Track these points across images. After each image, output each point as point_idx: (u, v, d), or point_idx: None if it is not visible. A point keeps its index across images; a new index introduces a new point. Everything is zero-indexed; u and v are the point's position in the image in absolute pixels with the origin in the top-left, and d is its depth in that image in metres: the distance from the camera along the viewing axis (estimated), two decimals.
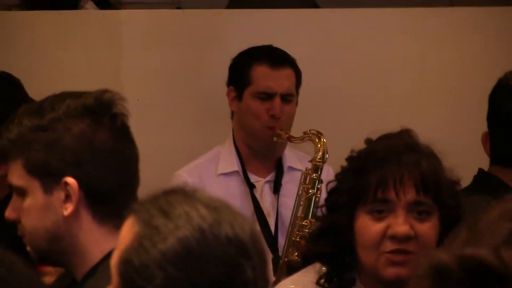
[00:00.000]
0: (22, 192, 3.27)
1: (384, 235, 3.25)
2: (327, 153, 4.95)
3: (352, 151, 3.60)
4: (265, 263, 2.56)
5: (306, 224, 4.95)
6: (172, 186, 3.68)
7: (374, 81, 5.97)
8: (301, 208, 4.95)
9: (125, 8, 6.77)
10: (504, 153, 4.44)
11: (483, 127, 4.38)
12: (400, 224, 3.18)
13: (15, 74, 5.15)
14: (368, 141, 3.42)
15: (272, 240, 5.16)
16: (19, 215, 3.27)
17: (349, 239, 3.32)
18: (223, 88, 5.31)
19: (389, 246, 3.25)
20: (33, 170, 3.25)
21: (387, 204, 3.22)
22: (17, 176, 3.30)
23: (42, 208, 3.18)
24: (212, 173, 5.26)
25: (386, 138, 3.44)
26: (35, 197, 3.25)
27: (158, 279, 2.53)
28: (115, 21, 6.29)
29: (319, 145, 4.96)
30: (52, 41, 6.10)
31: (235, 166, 5.24)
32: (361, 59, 6.05)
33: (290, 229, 5.01)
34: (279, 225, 5.22)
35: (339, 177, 3.45)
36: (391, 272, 3.29)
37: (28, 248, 3.29)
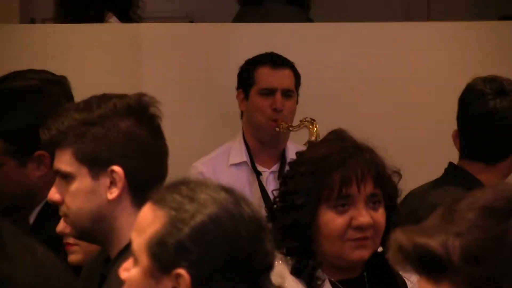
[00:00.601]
0: (69, 177, 3.30)
1: (348, 226, 3.27)
2: (319, 137, 4.87)
3: (297, 154, 3.66)
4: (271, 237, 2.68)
5: None
6: (188, 176, 3.68)
7: (361, 86, 5.97)
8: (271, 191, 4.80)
9: (144, 22, 6.72)
10: (471, 148, 4.45)
11: (454, 126, 4.40)
12: (363, 215, 3.22)
13: None
14: (311, 144, 3.41)
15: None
16: (63, 197, 3.32)
17: (312, 233, 3.33)
18: (233, 92, 5.38)
19: (353, 234, 3.27)
20: (83, 158, 3.28)
21: (349, 198, 3.25)
22: (65, 163, 3.32)
23: (89, 191, 3.23)
24: (224, 164, 5.31)
25: (329, 141, 3.48)
26: (83, 182, 3.30)
27: (193, 254, 2.58)
28: (136, 33, 6.31)
29: (312, 130, 5.00)
30: (81, 50, 6.12)
31: (244, 157, 5.30)
32: (348, 67, 6.04)
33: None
34: None
35: (292, 180, 3.44)
36: (356, 255, 3.31)
37: (69, 228, 3.38)
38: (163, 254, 2.60)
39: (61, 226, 3.68)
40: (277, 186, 5.00)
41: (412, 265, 2.23)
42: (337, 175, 3.24)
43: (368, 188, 3.26)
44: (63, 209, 3.34)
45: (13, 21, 7.61)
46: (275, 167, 5.33)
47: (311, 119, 5.06)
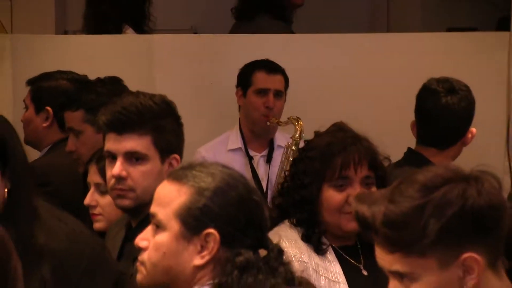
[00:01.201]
0: (142, 158, 3.38)
1: (345, 201, 3.36)
2: (303, 132, 5.08)
3: (305, 142, 3.80)
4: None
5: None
6: (196, 160, 4.02)
7: (337, 87, 6.00)
8: (284, 172, 4.86)
9: (155, 33, 6.66)
10: (425, 136, 4.63)
11: (412, 118, 4.59)
12: None
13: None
14: (318, 134, 3.57)
15: (263, 198, 5.12)
16: (127, 175, 3.37)
17: (317, 206, 3.39)
18: (231, 92, 5.49)
19: (349, 209, 3.28)
20: (158, 145, 3.39)
21: (347, 179, 3.34)
22: (142, 145, 3.37)
23: (158, 174, 3.30)
24: (223, 150, 5.37)
25: (333, 131, 3.53)
26: (154, 165, 3.39)
27: (219, 216, 2.68)
28: (149, 43, 6.33)
29: (297, 126, 5.09)
30: (103, 56, 6.14)
31: (239, 144, 5.40)
32: (325, 71, 6.07)
33: (275, 186, 4.98)
34: (269, 187, 5.33)
35: (301, 163, 3.51)
36: (351, 226, 3.34)
37: (129, 201, 3.38)
38: (193, 219, 2.68)
39: (88, 199, 3.84)
40: (266, 167, 5.44)
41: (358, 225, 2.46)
42: (338, 160, 3.33)
43: (363, 171, 3.37)
44: (127, 184, 3.36)
45: (49, 32, 7.57)
46: (264, 152, 5.44)
47: (297, 117, 5.18)
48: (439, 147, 4.60)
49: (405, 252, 2.31)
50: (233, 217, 2.72)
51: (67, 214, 3.33)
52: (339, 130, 3.48)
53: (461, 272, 2.33)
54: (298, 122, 5.15)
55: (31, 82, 5.18)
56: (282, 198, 3.53)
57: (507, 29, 6.14)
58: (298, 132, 5.12)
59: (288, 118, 5.23)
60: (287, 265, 2.77)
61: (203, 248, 2.66)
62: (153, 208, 2.74)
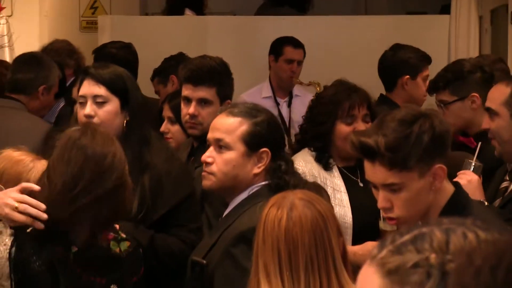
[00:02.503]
0: (209, 103, 3.36)
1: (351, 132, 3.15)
2: (320, 89, 4.72)
3: (316, 94, 3.77)
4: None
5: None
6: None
7: (332, 61, 5.70)
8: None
9: (210, 15, 6.66)
10: (383, 84, 4.48)
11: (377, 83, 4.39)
12: (361, 126, 3.16)
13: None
14: (325, 87, 3.49)
15: (287, 131, 4.95)
16: (198, 114, 3.35)
17: (330, 137, 3.26)
18: (262, 57, 5.46)
19: None
20: (220, 94, 3.40)
21: (353, 117, 3.23)
22: (209, 94, 3.38)
23: (216, 113, 2.98)
24: (258, 96, 5.20)
25: (336, 85, 3.37)
26: (216, 107, 3.30)
27: (268, 139, 2.70)
28: (204, 22, 6.28)
29: (318, 88, 4.83)
30: (171, 34, 5.94)
31: (270, 93, 5.33)
32: (323, 48, 5.83)
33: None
34: (291, 124, 5.22)
35: (316, 103, 3.38)
36: None
37: (197, 131, 3.36)
38: (253, 142, 2.70)
39: (163, 127, 3.78)
40: (287, 110, 5.34)
41: (359, 154, 2.45)
42: (347, 103, 3.22)
43: (363, 111, 3.25)
44: (198, 119, 3.33)
45: (135, 13, 7.43)
46: (286, 99, 5.35)
47: (317, 82, 4.93)
48: (389, 91, 4.46)
49: (399, 168, 2.28)
50: (276, 139, 2.77)
51: (168, 143, 3.48)
52: (341, 84, 3.35)
53: (432, 179, 2.34)
54: (319, 85, 4.87)
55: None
56: (302, 134, 3.45)
57: (448, 13, 6.12)
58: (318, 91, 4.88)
59: (310, 82, 5.13)
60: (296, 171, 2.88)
61: (259, 161, 2.69)
62: (218, 135, 2.72)
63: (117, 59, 4.49)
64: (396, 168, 2.26)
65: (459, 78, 3.78)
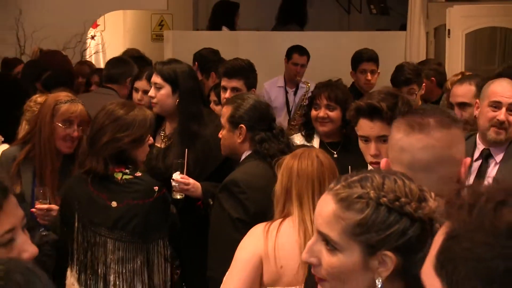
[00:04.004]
0: (241, 90, 3.17)
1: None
2: (310, 88, 4.48)
3: (310, 87, 3.75)
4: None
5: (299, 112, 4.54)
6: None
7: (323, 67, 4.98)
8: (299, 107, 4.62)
9: (240, 30, 6.40)
10: None
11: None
12: (322, 113, 2.99)
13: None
14: (315, 87, 3.15)
15: (289, 112, 4.92)
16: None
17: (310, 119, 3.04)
18: (278, 61, 5.15)
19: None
20: (247, 84, 3.23)
21: (318, 105, 3.01)
22: (241, 85, 3.24)
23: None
24: (274, 85, 5.02)
25: (320, 86, 3.13)
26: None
27: (246, 120, 2.51)
28: (236, 36, 6.05)
29: (308, 85, 4.73)
30: (212, 44, 4.89)
31: (282, 84, 5.05)
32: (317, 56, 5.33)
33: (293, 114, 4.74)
34: (293, 109, 4.88)
35: (311, 96, 3.15)
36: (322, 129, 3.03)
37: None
38: (233, 121, 2.52)
39: (211, 107, 3.44)
40: (293, 97, 4.99)
41: (360, 114, 2.19)
42: (324, 94, 3.02)
43: (324, 101, 3.02)
44: None
45: (189, 29, 7.21)
46: (293, 89, 5.06)
47: (307, 82, 4.80)
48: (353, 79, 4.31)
49: (389, 124, 1.97)
50: (252, 118, 2.58)
51: (215, 117, 3.08)
52: (327, 84, 3.12)
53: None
54: (307, 84, 4.79)
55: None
56: (302, 121, 3.24)
57: (404, 30, 6.01)
58: (307, 89, 4.73)
59: (303, 81, 4.93)
60: (288, 138, 2.66)
61: (240, 134, 2.56)
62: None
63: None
64: (389, 123, 2.02)
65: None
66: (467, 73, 3.72)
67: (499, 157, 2.53)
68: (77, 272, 2.36)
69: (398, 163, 1.53)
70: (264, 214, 2.23)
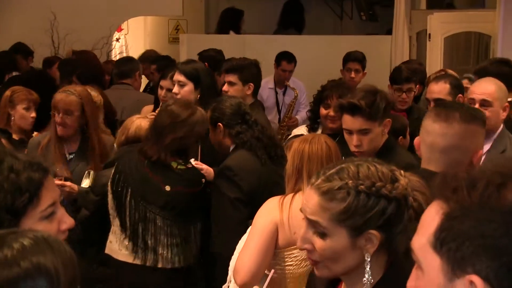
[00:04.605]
0: (235, 85, 3.03)
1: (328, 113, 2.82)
2: (297, 94, 4.53)
3: (297, 93, 3.59)
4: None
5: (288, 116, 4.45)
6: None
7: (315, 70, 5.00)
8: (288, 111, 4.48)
9: (245, 34, 6.31)
10: None
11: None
12: (331, 112, 2.81)
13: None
14: (323, 86, 2.95)
15: (279, 111, 4.74)
16: (228, 90, 3.03)
17: (319, 116, 2.91)
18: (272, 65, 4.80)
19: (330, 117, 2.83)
20: (242, 79, 3.10)
21: (329, 105, 2.81)
22: (235, 79, 3.08)
23: (241, 92, 2.87)
24: (266, 86, 4.68)
25: (330, 83, 2.97)
26: (239, 87, 3.08)
27: (224, 119, 2.51)
28: (242, 39, 5.91)
29: (296, 92, 4.55)
30: (220, 46, 4.84)
31: (273, 85, 4.79)
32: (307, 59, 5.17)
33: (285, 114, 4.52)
34: (282, 108, 4.72)
35: (321, 95, 2.93)
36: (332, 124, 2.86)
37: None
38: (213, 120, 2.50)
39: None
40: (282, 97, 4.68)
41: (343, 111, 2.18)
42: (336, 94, 2.81)
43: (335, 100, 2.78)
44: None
45: (201, 32, 7.15)
46: (282, 90, 4.82)
47: (294, 88, 4.59)
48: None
49: (369, 119, 2.17)
50: (228, 117, 2.57)
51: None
52: (335, 85, 2.94)
53: (383, 127, 2.18)
54: (296, 91, 4.59)
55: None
56: (308, 117, 3.09)
57: (390, 34, 5.92)
58: (296, 96, 4.58)
59: (291, 88, 4.66)
60: (261, 127, 2.54)
61: (220, 131, 2.56)
62: None
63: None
64: (369, 119, 2.16)
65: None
66: (449, 71, 3.68)
67: (486, 147, 2.49)
68: (129, 240, 2.40)
69: (423, 142, 1.67)
70: (255, 192, 2.26)
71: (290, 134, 3.41)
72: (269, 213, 1.89)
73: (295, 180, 1.93)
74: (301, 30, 6.69)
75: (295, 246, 1.80)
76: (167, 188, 2.41)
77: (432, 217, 0.74)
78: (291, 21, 6.69)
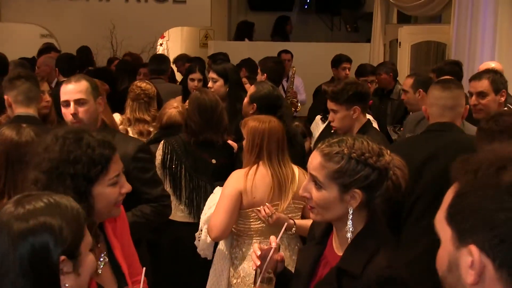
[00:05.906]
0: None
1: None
2: (292, 85, 4.29)
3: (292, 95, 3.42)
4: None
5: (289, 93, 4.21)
6: None
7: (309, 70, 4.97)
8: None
9: (256, 41, 6.17)
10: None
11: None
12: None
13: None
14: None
15: (285, 92, 4.26)
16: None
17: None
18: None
19: None
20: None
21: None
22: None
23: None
24: None
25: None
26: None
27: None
28: (255, 45, 5.82)
29: (293, 70, 4.34)
30: (237, 51, 4.95)
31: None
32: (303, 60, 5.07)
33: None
34: (286, 91, 4.26)
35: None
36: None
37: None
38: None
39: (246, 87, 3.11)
40: (287, 83, 4.27)
41: (327, 96, 2.14)
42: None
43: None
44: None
45: (224, 39, 6.81)
46: (285, 78, 4.36)
47: (293, 67, 4.39)
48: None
49: (336, 102, 2.12)
50: (262, 105, 2.37)
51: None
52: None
53: (353, 112, 2.08)
54: (293, 68, 4.41)
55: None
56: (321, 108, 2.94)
57: (369, 42, 5.84)
58: (293, 72, 4.36)
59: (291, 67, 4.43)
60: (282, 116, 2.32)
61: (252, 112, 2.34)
62: None
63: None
64: (336, 102, 2.13)
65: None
66: (492, 65, 3.37)
67: None
68: (185, 205, 2.33)
69: (435, 105, 1.88)
70: None
71: (297, 100, 3.51)
72: (235, 182, 1.88)
73: (256, 154, 1.88)
74: (285, 40, 6.55)
75: (253, 208, 1.85)
76: (213, 161, 2.36)
77: (448, 195, 0.70)
78: (278, 33, 6.75)
